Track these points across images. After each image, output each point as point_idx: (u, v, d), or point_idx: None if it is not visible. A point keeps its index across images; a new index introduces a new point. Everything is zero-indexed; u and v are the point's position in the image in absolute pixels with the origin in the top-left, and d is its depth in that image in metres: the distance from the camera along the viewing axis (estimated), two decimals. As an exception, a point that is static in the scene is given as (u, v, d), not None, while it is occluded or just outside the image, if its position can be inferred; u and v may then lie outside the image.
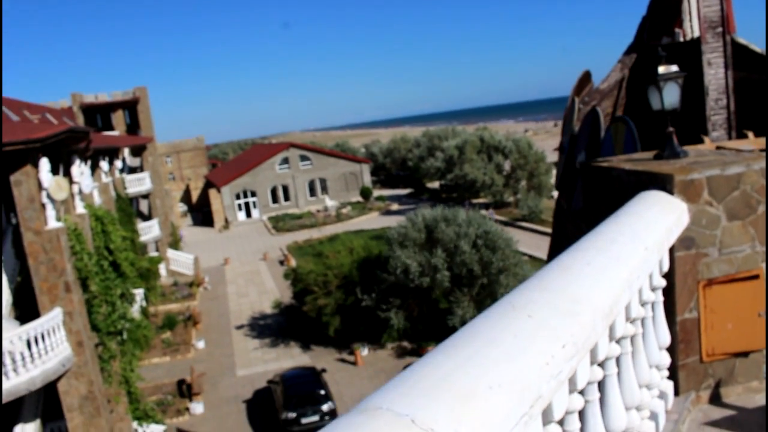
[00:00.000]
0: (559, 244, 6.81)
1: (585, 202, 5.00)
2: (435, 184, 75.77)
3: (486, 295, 25.24)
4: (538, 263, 33.55)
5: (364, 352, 26.91)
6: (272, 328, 32.61)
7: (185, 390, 25.14)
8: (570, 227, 5.97)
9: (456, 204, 52.97)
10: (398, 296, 26.08)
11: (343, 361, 26.95)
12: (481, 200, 61.74)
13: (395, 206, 68.84)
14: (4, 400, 13.76)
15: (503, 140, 59.25)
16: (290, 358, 28.17)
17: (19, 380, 13.90)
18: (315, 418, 20.62)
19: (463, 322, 24.89)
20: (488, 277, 24.93)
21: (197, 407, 23.90)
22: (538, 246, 40.51)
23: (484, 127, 64.83)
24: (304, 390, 21.46)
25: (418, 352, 26.22)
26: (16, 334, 14.07)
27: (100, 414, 16.01)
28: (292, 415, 20.55)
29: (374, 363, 26.25)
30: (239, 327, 33.66)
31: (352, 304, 27.33)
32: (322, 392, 21.25)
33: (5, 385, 13.63)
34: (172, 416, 23.36)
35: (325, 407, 20.78)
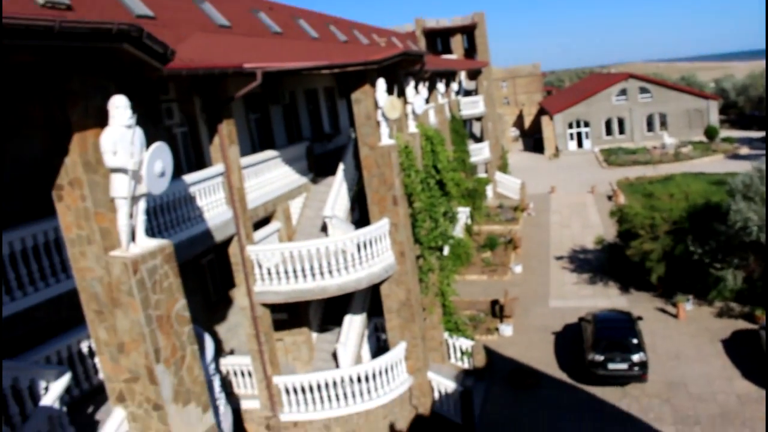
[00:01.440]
0: None
1: None
2: (795, 128, 64.84)
3: None
4: None
5: (687, 306, 24.67)
6: (591, 264, 31.66)
7: (497, 311, 25.85)
8: None
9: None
10: (735, 252, 23.18)
11: (662, 311, 25.10)
12: None
13: (744, 150, 60.91)
14: (337, 293, 15.51)
15: None
16: (606, 298, 27.13)
17: (349, 278, 15.49)
18: (623, 366, 19.60)
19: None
20: None
21: (506, 329, 24.47)
22: None
23: None
24: (616, 335, 20.44)
25: (753, 318, 23.20)
26: (348, 237, 15.61)
27: (414, 320, 17.22)
28: (599, 357, 19.79)
29: (697, 320, 23.96)
30: (558, 258, 33.35)
31: (679, 253, 25.07)
32: (635, 341, 19.96)
33: (338, 280, 15.32)
34: (481, 334, 24.30)
35: (635, 357, 19.56)
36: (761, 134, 69.92)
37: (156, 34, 7.63)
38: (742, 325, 23.19)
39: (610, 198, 45.70)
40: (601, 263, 31.30)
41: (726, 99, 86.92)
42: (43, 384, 8.37)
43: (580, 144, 71.55)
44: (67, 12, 12.82)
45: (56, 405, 8.30)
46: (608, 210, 34.57)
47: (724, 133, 69.93)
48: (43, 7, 12.20)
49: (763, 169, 23.33)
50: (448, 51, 54.19)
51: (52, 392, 8.32)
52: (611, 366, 19.70)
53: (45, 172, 7.67)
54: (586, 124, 70.90)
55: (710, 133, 65.82)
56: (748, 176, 23.60)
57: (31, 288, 8.89)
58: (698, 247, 24.18)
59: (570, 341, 23.33)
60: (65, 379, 8.51)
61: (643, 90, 69.90)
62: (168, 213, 11.94)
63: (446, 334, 20.39)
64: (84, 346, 10.19)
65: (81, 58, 7.16)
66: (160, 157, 7.90)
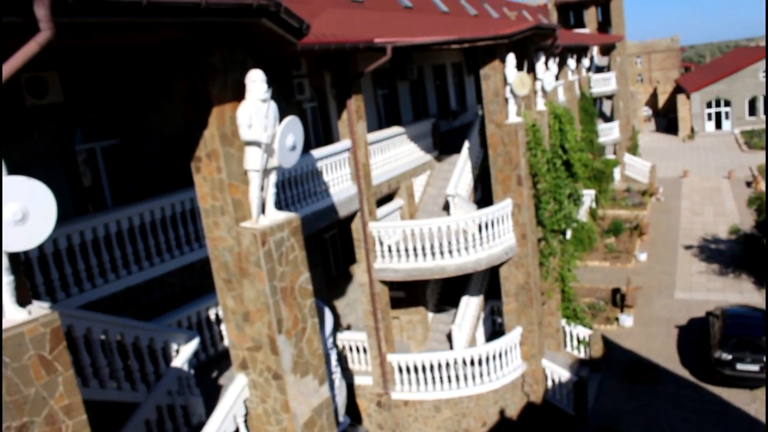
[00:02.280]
0: None
1: None
2: None
3: None
4: None
5: (834, 304, 22.66)
6: (724, 255, 29.70)
7: (618, 300, 24.86)
8: None
9: None
10: None
11: (803, 310, 23.22)
12: None
13: None
14: (455, 274, 15.35)
15: None
16: (738, 292, 25.40)
17: (468, 258, 15.29)
18: (753, 367, 18.26)
19: None
20: None
21: (627, 320, 23.47)
22: None
23: None
24: (748, 333, 19.07)
25: None
26: (470, 217, 15.37)
27: (532, 305, 16.81)
28: (727, 356, 18.54)
29: None
30: (687, 247, 31.53)
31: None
32: None
33: (457, 260, 15.15)
34: (600, 323, 23.46)
35: None
36: None
37: (291, 9, 7.68)
38: None
39: (749, 184, 42.60)
40: (734, 255, 29.32)
41: None
42: (174, 346, 8.79)
43: (718, 125, 66.97)
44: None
45: (185, 367, 8.70)
46: (746, 197, 32.24)
47: None
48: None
49: None
50: (581, 24, 51.98)
51: (182, 355, 8.72)
52: (740, 366, 18.45)
53: (185, 145, 7.94)
54: (727, 104, 66.16)
55: None
56: None
57: (167, 255, 9.33)
58: None
59: (695, 337, 22.07)
60: (194, 344, 8.90)
61: (797, 65, 63.97)
62: (296, 186, 12.18)
63: (563, 321, 19.82)
64: (212, 313, 10.62)
65: (223, 34, 7.31)
66: (292, 131, 7.97)
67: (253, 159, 7.69)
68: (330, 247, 16.53)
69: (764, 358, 18.26)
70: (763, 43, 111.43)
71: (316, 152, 13.04)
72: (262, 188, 7.92)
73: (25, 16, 4.74)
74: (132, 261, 9.00)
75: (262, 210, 8.04)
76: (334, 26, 14.09)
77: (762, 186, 39.88)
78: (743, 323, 19.84)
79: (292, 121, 7.97)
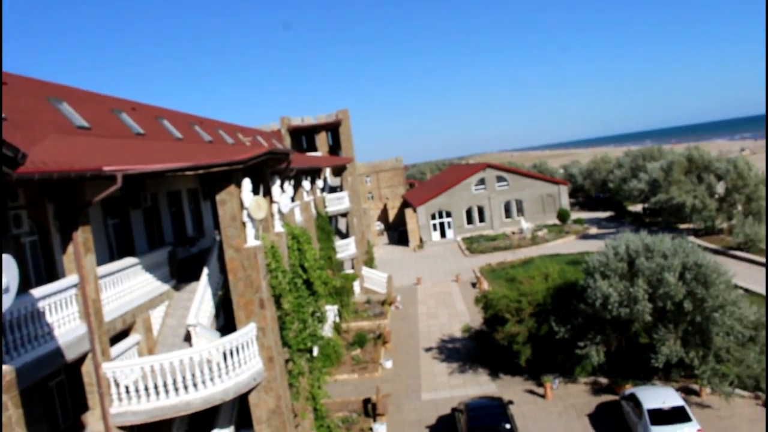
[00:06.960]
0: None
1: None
2: (638, 208, 72.33)
3: (695, 332, 22.45)
4: (757, 298, 30.01)
5: (554, 384, 25.49)
6: (461, 352, 32.16)
7: (370, 409, 25.39)
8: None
9: (661, 230, 49.23)
10: (595, 328, 24.34)
11: (531, 392, 25.75)
12: (689, 226, 57.52)
13: (594, 230, 66.15)
14: (203, 407, 14.55)
15: (715, 161, 54.61)
16: (477, 385, 27.49)
17: (215, 390, 14.63)
18: None
19: (668, 364, 22.62)
20: (701, 314, 22.02)
21: (380, 428, 23.95)
22: (756, 279, 36.33)
23: (695, 146, 59.66)
24: (489, 422, 20.63)
25: (614, 390, 24.34)
26: (214, 346, 14.85)
27: (285, 428, 16.45)
28: None
29: (565, 398, 24.76)
30: (428, 349, 33.61)
31: (544, 334, 26.06)
32: (508, 426, 20.24)
33: (203, 393, 14.41)
34: (355, 435, 23.68)
35: None
36: (608, 214, 76.89)
37: (5, 136, 7.11)
38: (605, 397, 24.25)
39: (474, 285, 47.14)
40: (469, 351, 31.85)
41: (574, 183, 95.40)
42: None
43: (443, 234, 74.27)
44: None
45: None
46: (473, 297, 35.49)
47: (575, 215, 76.09)
48: None
49: (616, 246, 24.68)
50: (313, 148, 55.08)
51: None
52: None
53: None
54: (448, 214, 74.00)
55: (562, 215, 71.05)
56: (604, 254, 24.41)
57: None
58: (561, 326, 25.09)
59: (445, 433, 23.21)
60: None
61: (500, 179, 74.57)
62: (11, 333, 10.82)
63: (319, 440, 19.65)
64: None
65: None
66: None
67: (-47, 309, 6.77)
68: (57, 395, 14.76)
69: None
70: (472, 161, 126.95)
71: (37, 291, 11.82)
72: (-35, 341, 6.95)
73: None
74: None
75: (-34, 366, 7.02)
76: (57, 153, 13.23)
77: (485, 285, 44.41)
78: (484, 414, 21.37)
79: (4, 261, 7.22)
